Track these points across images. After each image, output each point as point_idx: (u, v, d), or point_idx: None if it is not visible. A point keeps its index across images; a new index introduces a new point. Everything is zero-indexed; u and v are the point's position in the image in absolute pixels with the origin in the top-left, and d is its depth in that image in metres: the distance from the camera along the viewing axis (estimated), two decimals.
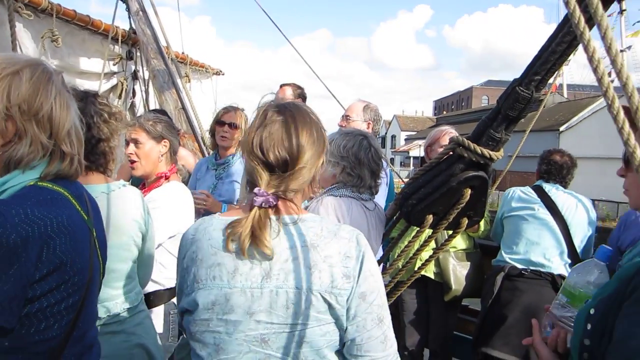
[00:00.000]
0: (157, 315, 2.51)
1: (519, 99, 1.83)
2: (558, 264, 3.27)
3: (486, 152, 1.92)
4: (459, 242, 3.56)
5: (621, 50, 36.40)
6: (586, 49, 1.00)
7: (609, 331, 1.24)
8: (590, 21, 1.02)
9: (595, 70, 1.00)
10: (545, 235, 3.29)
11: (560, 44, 1.74)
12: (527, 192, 3.46)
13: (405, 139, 59.58)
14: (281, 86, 4.41)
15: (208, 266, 1.33)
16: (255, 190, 1.33)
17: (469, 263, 3.51)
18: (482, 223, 3.45)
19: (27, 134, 1.27)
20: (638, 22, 37.19)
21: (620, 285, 1.28)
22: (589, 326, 1.32)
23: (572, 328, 1.48)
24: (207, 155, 4.66)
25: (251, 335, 1.31)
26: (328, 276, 1.29)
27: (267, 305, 1.29)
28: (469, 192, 2.01)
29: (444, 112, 71.39)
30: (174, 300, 2.56)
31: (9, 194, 1.25)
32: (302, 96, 4.37)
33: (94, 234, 1.41)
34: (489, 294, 3.32)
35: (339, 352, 1.38)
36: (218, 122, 3.46)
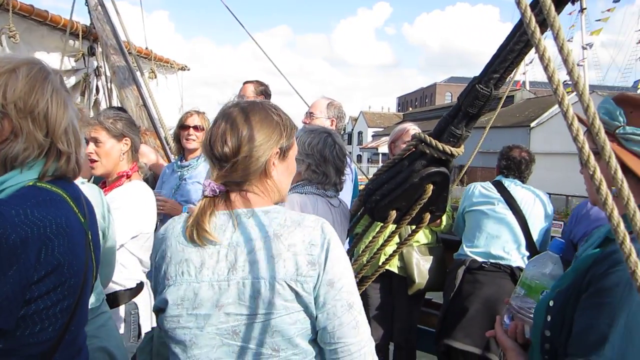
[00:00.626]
0: (118, 316, 2.47)
1: (478, 97, 1.87)
2: (516, 257, 3.36)
3: (447, 148, 1.96)
4: (422, 237, 3.62)
5: (583, 48, 37.53)
6: (537, 48, 1.04)
7: (568, 322, 1.29)
8: (544, 22, 1.06)
9: (545, 68, 1.04)
10: (504, 229, 3.38)
11: (518, 43, 1.78)
12: (488, 187, 3.54)
13: (373, 135, 59.45)
14: (244, 83, 4.42)
15: (176, 262, 1.36)
16: (204, 182, 1.40)
17: (431, 257, 3.57)
18: (444, 218, 3.51)
19: (22, 132, 1.27)
20: (598, 20, 38.32)
21: (577, 277, 1.33)
22: (549, 318, 1.36)
23: (530, 319, 1.52)
24: (169, 152, 4.63)
25: (222, 328, 1.32)
26: (292, 264, 1.31)
27: (235, 297, 1.31)
28: (431, 187, 2.05)
29: (410, 109, 71.94)
30: (135, 300, 2.53)
31: (7, 193, 1.24)
32: (265, 93, 4.37)
33: (90, 236, 1.40)
34: (451, 287, 3.40)
35: (313, 342, 1.39)
36: (182, 126, 3.52)
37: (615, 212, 0.96)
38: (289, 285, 1.31)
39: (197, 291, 1.33)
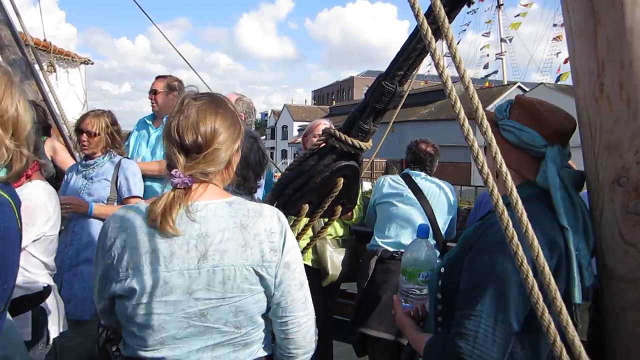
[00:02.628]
0: (25, 322, 2.34)
1: (384, 93, 1.95)
2: None
3: (356, 142, 2.02)
4: (336, 230, 3.71)
5: (503, 41, 39.46)
6: (433, 56, 1.13)
7: (457, 284, 1.49)
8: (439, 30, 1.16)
9: (440, 75, 1.14)
10: (413, 219, 3.52)
11: (419, 43, 1.87)
12: (397, 180, 3.69)
13: (299, 130, 58.07)
14: (157, 78, 4.32)
15: (143, 253, 1.40)
16: (172, 172, 1.41)
17: (344, 249, 3.68)
18: (356, 210, 3.63)
19: None
20: (518, 15, 40.62)
21: (462, 245, 1.56)
22: (440, 282, 1.58)
23: (416, 300, 1.75)
24: (73, 149, 4.45)
25: (190, 312, 1.42)
26: (258, 252, 1.45)
27: (205, 284, 1.41)
28: (341, 181, 2.10)
29: (333, 102, 71.93)
30: (43, 305, 2.40)
31: None
32: (179, 89, 4.28)
33: (20, 244, 1.39)
34: (364, 277, 3.50)
35: (265, 315, 1.55)
36: (77, 129, 3.42)
37: (496, 191, 1.10)
38: (255, 270, 1.45)
39: (167, 280, 1.39)
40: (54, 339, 2.49)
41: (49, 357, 2.64)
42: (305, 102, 77.93)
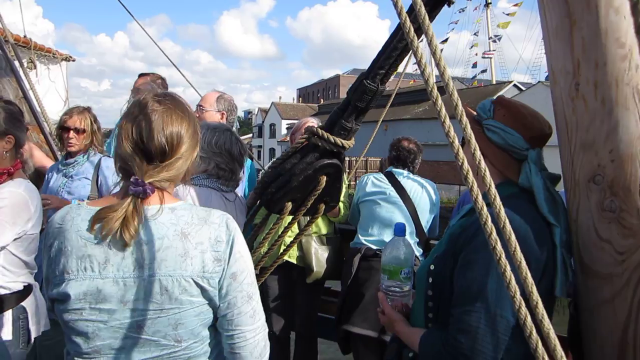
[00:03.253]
0: (4, 321, 2.32)
1: (366, 91, 1.97)
2: None
3: (339, 140, 2.03)
4: (321, 228, 3.72)
5: (490, 38, 39.68)
6: (415, 54, 1.15)
7: (448, 281, 1.54)
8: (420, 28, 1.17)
9: (422, 72, 1.15)
10: (396, 218, 3.54)
11: (401, 42, 1.90)
12: (380, 178, 3.71)
13: (287, 128, 56.26)
14: (140, 76, 4.29)
15: (78, 257, 1.33)
16: (132, 179, 1.34)
17: (329, 247, 3.68)
18: (342, 208, 3.64)
19: None
20: (507, 14, 41.05)
21: (450, 242, 1.58)
22: (430, 280, 1.61)
23: (399, 298, 1.78)
24: (54, 147, 4.40)
25: (126, 323, 1.34)
26: (199, 262, 1.36)
27: (141, 294, 1.33)
28: (324, 179, 2.12)
29: (321, 101, 71.41)
30: (23, 304, 2.38)
31: None
32: (162, 87, 4.26)
33: None
34: (348, 275, 3.51)
35: (212, 327, 1.46)
36: (62, 127, 3.38)
37: (475, 186, 1.13)
38: (195, 282, 1.35)
39: (100, 287, 1.32)
40: (34, 338, 2.47)
41: (30, 356, 2.62)
42: (293, 100, 77.40)
